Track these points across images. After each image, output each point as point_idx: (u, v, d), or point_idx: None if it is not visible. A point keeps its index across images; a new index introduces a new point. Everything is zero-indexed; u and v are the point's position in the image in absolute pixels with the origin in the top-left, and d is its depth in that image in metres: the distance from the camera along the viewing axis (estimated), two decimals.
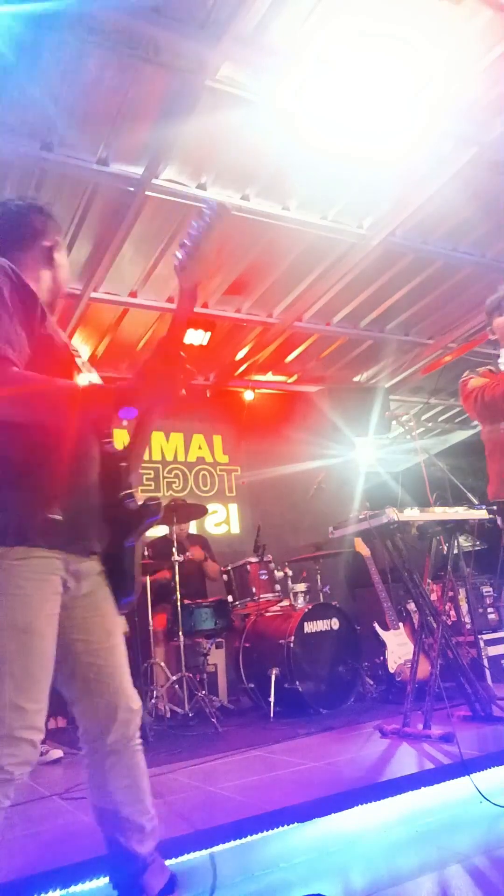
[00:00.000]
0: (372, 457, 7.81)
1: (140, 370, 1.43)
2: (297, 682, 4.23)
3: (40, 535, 1.37)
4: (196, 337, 5.50)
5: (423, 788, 2.46)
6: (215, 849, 2.04)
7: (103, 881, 1.87)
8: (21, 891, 1.80)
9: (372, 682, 4.71)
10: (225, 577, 5.07)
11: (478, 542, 5.22)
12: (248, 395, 6.97)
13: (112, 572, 1.56)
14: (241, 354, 6.46)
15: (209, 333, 5.50)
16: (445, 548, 3.92)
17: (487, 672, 4.58)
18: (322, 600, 5.00)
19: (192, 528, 5.86)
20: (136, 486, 1.58)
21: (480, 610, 5.10)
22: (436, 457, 4.96)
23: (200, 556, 5.21)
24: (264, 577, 4.92)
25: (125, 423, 1.51)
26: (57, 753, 3.62)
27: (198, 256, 1.42)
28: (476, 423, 3.16)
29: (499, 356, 2.94)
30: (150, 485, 6.37)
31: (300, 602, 4.97)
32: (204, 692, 4.15)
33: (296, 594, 5.05)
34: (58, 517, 1.38)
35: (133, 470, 1.56)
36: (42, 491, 1.39)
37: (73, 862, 1.91)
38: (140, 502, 1.54)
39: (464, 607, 5.12)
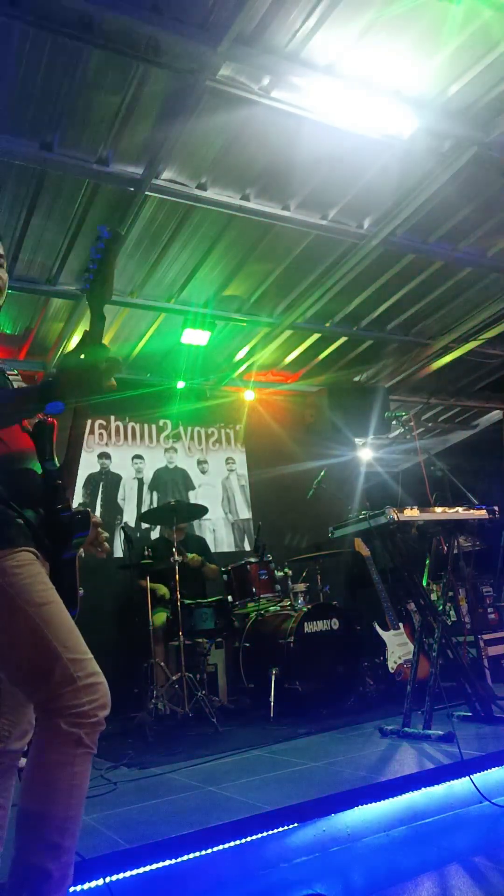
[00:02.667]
0: (372, 457, 7.81)
1: (60, 365, 1.45)
2: (297, 682, 4.23)
3: (19, 536, 1.49)
4: (196, 337, 5.50)
5: (423, 788, 2.46)
6: (216, 849, 2.04)
7: (103, 881, 1.88)
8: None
9: (372, 682, 4.71)
10: (225, 577, 5.07)
11: (478, 542, 5.22)
12: (249, 396, 6.98)
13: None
14: (241, 354, 6.46)
15: (209, 333, 5.50)
16: (445, 548, 3.92)
17: (487, 672, 4.59)
18: (322, 600, 5.00)
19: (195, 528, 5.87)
20: (71, 501, 1.68)
21: (480, 610, 5.11)
22: (436, 457, 4.96)
23: (198, 562, 5.21)
24: (264, 577, 4.92)
25: (49, 420, 1.61)
26: None
27: (101, 280, 1.54)
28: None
29: None
30: None
31: (300, 602, 4.97)
32: (204, 692, 4.15)
33: (296, 594, 5.05)
34: (21, 521, 1.51)
35: (68, 486, 1.67)
36: (8, 498, 1.51)
37: (86, 858, 1.91)
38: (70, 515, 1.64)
39: (464, 607, 5.12)
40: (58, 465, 1.69)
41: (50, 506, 1.61)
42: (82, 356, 1.45)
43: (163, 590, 4.94)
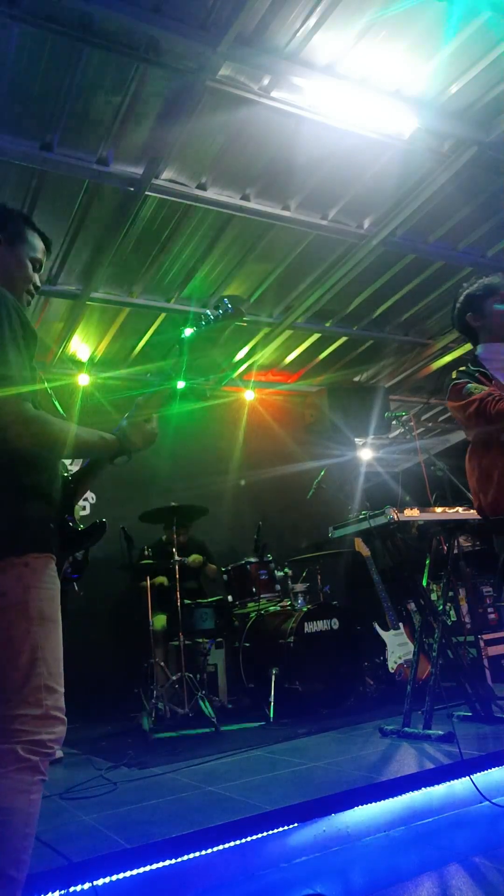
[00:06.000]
0: (372, 457, 7.81)
1: (123, 429, 1.67)
2: (297, 682, 4.23)
3: (52, 541, 1.52)
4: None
5: (423, 788, 2.46)
6: (216, 849, 2.04)
7: (103, 881, 1.88)
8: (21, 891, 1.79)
9: (372, 682, 4.71)
10: (225, 577, 5.07)
11: (478, 543, 5.22)
12: (249, 396, 6.98)
13: None
14: (241, 354, 6.46)
15: None
16: (445, 548, 3.92)
17: (487, 672, 4.58)
18: (322, 600, 4.99)
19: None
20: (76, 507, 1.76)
21: (480, 610, 5.10)
22: (436, 457, 4.96)
23: (199, 563, 5.21)
24: (264, 577, 4.92)
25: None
26: (57, 753, 3.61)
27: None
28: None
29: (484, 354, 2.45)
30: None
31: (300, 602, 4.97)
32: (204, 692, 4.15)
33: (296, 594, 5.04)
34: (52, 525, 1.55)
35: (79, 496, 1.74)
36: (45, 504, 1.54)
37: (73, 862, 1.91)
38: (80, 524, 1.69)
39: (464, 607, 5.12)
40: (71, 471, 1.73)
41: (61, 513, 1.63)
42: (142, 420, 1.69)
43: (161, 579, 4.92)
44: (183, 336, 1.67)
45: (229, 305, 1.62)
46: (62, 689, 1.45)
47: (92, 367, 6.09)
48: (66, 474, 1.71)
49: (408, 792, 2.43)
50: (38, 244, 1.74)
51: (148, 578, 4.65)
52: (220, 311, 1.62)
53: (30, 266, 1.71)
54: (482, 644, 4.68)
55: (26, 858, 1.32)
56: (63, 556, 1.65)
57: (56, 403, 1.79)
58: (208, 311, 1.65)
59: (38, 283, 1.76)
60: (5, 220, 1.71)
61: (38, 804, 1.37)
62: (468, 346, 6.87)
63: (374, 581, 4.84)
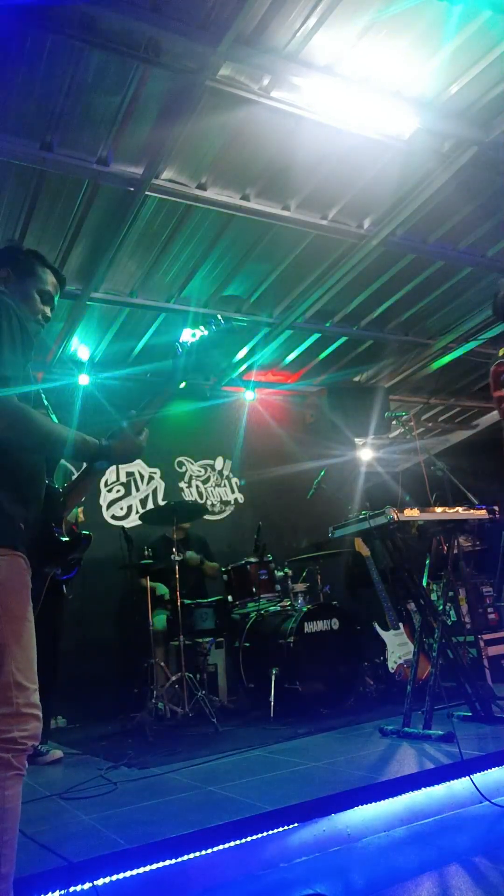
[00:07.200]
0: (372, 457, 7.81)
1: (113, 434, 1.68)
2: (297, 682, 4.23)
3: (20, 539, 1.53)
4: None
5: (423, 788, 2.46)
6: (216, 849, 2.04)
7: (103, 881, 1.88)
8: (21, 891, 1.79)
9: (372, 682, 4.71)
10: (225, 576, 5.07)
11: (478, 542, 5.22)
12: (249, 396, 6.98)
13: None
14: (241, 354, 6.46)
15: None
16: (445, 548, 3.92)
17: (487, 672, 4.58)
18: (322, 600, 4.99)
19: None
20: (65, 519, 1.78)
21: (480, 610, 5.10)
22: (436, 457, 4.96)
23: (196, 561, 5.21)
24: (264, 577, 4.92)
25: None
26: (57, 753, 3.61)
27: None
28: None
29: None
30: None
31: (300, 602, 4.96)
32: (204, 692, 4.14)
33: (296, 594, 5.04)
34: (22, 525, 1.55)
35: (69, 507, 1.77)
36: (16, 503, 1.55)
37: (74, 862, 1.91)
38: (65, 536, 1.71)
39: (464, 607, 5.12)
40: (62, 481, 1.75)
41: (46, 519, 1.64)
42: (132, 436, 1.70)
43: (162, 589, 4.95)
44: (178, 352, 1.74)
45: (222, 322, 1.71)
46: (35, 686, 1.46)
47: (92, 367, 6.09)
48: (56, 486, 1.73)
49: (408, 792, 2.43)
50: (49, 277, 1.81)
51: (148, 579, 4.65)
52: (214, 328, 1.71)
53: (38, 298, 1.78)
54: (482, 644, 4.69)
55: (8, 853, 1.33)
56: (45, 564, 1.66)
57: (48, 407, 1.80)
58: (202, 327, 1.72)
59: (48, 315, 1.82)
60: (15, 256, 1.79)
61: (15, 799, 1.38)
62: (469, 346, 6.90)
63: (374, 581, 4.84)
